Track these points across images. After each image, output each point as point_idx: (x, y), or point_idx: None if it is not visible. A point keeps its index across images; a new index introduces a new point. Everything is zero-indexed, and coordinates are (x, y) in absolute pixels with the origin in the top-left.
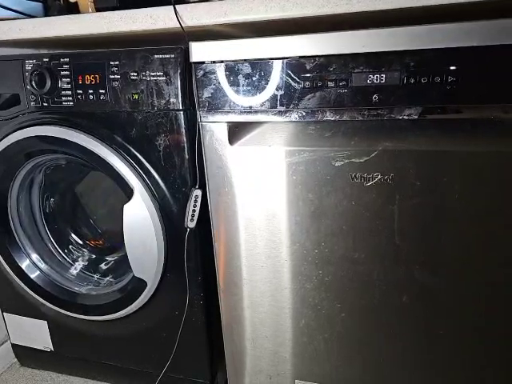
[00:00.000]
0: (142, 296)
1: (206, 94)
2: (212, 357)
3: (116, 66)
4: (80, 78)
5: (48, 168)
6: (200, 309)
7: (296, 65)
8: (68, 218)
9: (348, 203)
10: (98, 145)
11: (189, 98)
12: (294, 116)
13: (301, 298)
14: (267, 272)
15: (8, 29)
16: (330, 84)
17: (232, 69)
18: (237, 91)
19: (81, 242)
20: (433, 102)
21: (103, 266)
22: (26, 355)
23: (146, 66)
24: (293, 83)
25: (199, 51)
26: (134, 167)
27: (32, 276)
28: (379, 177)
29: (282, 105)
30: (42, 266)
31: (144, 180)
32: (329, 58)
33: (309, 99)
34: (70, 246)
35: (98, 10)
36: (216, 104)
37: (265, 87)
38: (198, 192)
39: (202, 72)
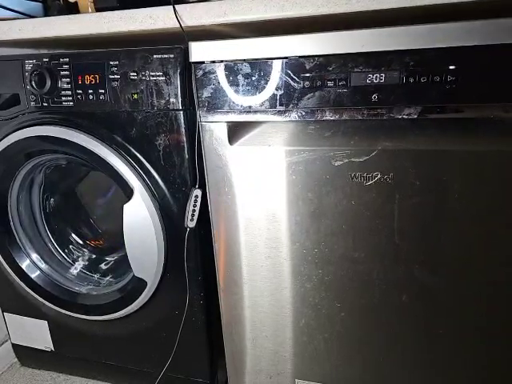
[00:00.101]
0: (142, 296)
1: (206, 93)
2: (212, 356)
3: (116, 65)
4: (80, 77)
5: (48, 168)
6: (200, 308)
7: (295, 64)
8: (68, 218)
9: (348, 203)
10: (98, 145)
11: (188, 98)
12: (294, 116)
13: (301, 297)
14: (267, 271)
15: (8, 29)
16: (330, 84)
17: (231, 69)
18: (236, 91)
19: (81, 242)
20: (432, 102)
21: (103, 266)
22: (26, 355)
23: (145, 65)
24: (292, 83)
25: (199, 51)
26: (133, 167)
27: (32, 276)
28: (379, 176)
29: (281, 104)
30: (43, 265)
31: (144, 180)
32: (328, 57)
33: (308, 99)
34: (71, 246)
35: (97, 10)
36: (216, 104)
37: (264, 87)
38: (197, 192)
39: (201, 72)
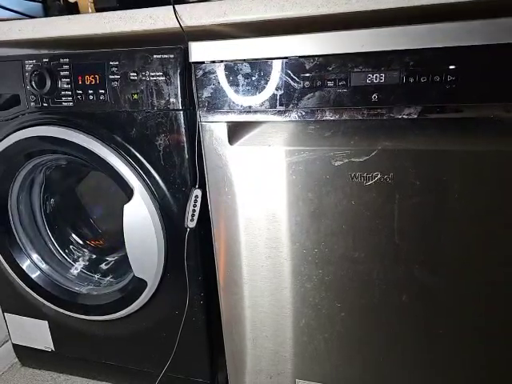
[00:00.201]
0: (143, 296)
1: (206, 93)
2: (212, 356)
3: (116, 66)
4: (80, 78)
5: (48, 168)
6: (200, 308)
7: (295, 64)
8: (68, 218)
9: (348, 203)
10: (98, 145)
11: (188, 98)
12: (294, 116)
13: (301, 297)
14: (267, 271)
15: (8, 29)
16: (330, 83)
17: (231, 69)
18: (236, 91)
19: (81, 242)
20: (432, 102)
21: (104, 266)
22: (26, 355)
23: (145, 66)
24: (292, 83)
25: (199, 51)
26: (133, 167)
27: (33, 276)
28: (379, 176)
29: (281, 104)
30: (43, 266)
31: (144, 180)
32: (328, 57)
33: (308, 99)
34: (71, 246)
35: (97, 10)
36: (216, 104)
37: (264, 87)
38: (197, 192)
39: (201, 72)
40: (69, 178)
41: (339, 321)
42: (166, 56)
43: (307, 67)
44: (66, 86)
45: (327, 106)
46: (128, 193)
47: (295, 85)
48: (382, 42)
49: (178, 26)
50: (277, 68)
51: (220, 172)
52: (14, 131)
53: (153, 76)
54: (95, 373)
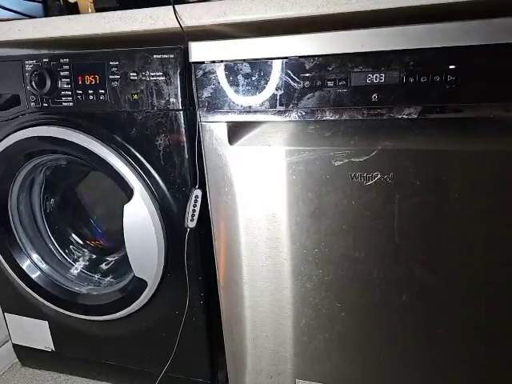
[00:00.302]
0: (143, 296)
1: (206, 93)
2: (212, 356)
3: (116, 66)
4: (80, 78)
5: (48, 168)
6: (200, 308)
7: (295, 64)
8: (68, 219)
9: (348, 202)
10: (98, 145)
11: (188, 98)
12: (294, 116)
13: (301, 297)
14: (267, 271)
15: (8, 29)
16: (330, 83)
17: (231, 69)
18: (236, 91)
19: (81, 242)
20: (432, 101)
21: (104, 266)
22: (27, 355)
23: (145, 66)
24: (292, 83)
25: (199, 51)
26: (133, 167)
27: (33, 276)
28: (379, 176)
29: (281, 104)
30: (43, 266)
31: (144, 180)
32: (328, 57)
33: (308, 99)
34: (71, 246)
35: (97, 10)
36: (216, 104)
37: (264, 87)
38: (198, 192)
39: (201, 72)
40: (69, 178)
41: (339, 321)
42: (166, 56)
43: (307, 67)
44: (65, 86)
45: (327, 106)
46: (128, 193)
47: (295, 85)
48: (382, 41)
49: (177, 25)
50: (277, 68)
51: (220, 172)
52: (14, 131)
53: (153, 76)
54: (95, 373)
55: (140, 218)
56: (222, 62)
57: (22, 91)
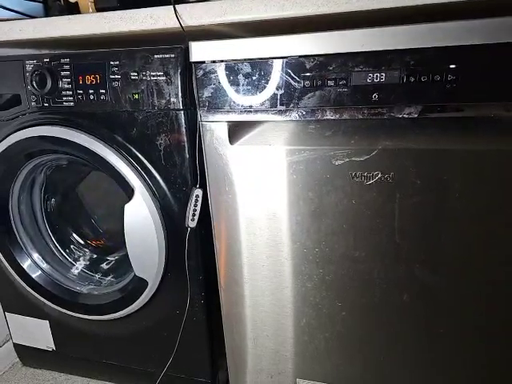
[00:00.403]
0: (143, 295)
1: (206, 93)
2: (213, 356)
3: (116, 66)
4: (80, 78)
5: (49, 168)
6: (201, 308)
7: (296, 64)
8: (69, 218)
9: (348, 202)
10: (99, 145)
11: (189, 98)
12: (294, 115)
13: (302, 296)
14: (268, 271)
15: (9, 29)
16: (330, 83)
17: (232, 68)
18: (237, 90)
19: (82, 242)
20: (433, 101)
21: (104, 266)
22: (28, 355)
23: (146, 65)
24: (293, 82)
25: (199, 51)
26: (134, 167)
27: (33, 276)
28: (379, 175)
29: (282, 104)
30: (44, 265)
31: (145, 180)
32: (328, 57)
33: (309, 98)
34: (72, 246)
35: (98, 10)
36: (216, 103)
37: (265, 86)
38: (198, 191)
39: (202, 72)
40: (69, 178)
41: (340, 320)
42: (166, 56)
43: (307, 67)
44: (66, 85)
45: (328, 106)
46: (129, 192)
47: (296, 84)
48: (383, 41)
49: (178, 25)
50: (277, 68)
51: (221, 171)
52: (15, 131)
53: (153, 76)
54: (96, 372)
55: (141, 217)
56: (222, 61)
57: (23, 91)
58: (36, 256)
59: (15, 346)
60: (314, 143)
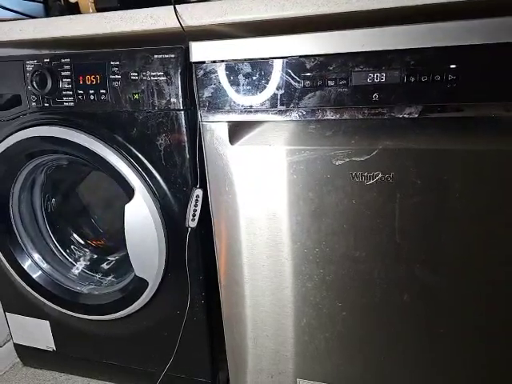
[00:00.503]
0: (144, 295)
1: (207, 93)
2: (213, 356)
3: (116, 66)
4: (81, 78)
5: (49, 168)
6: (201, 308)
7: (296, 64)
8: (69, 218)
9: (349, 202)
10: (99, 145)
11: (189, 98)
12: (295, 115)
13: (302, 296)
14: (268, 271)
15: (9, 29)
16: (330, 83)
17: (232, 68)
18: (237, 91)
19: (82, 242)
20: (433, 101)
21: (105, 266)
22: (28, 355)
23: (146, 65)
24: (293, 82)
25: (199, 51)
26: (134, 167)
27: (34, 276)
28: (380, 175)
29: (282, 104)
30: (44, 265)
31: (145, 180)
32: (329, 57)
33: (309, 98)
34: (72, 246)
35: (98, 10)
36: (216, 103)
37: (265, 86)
38: (198, 191)
39: (202, 72)
40: (70, 178)
41: (340, 320)
42: (166, 56)
43: (308, 67)
44: (67, 86)
45: (328, 106)
46: (129, 193)
47: (296, 84)
48: (383, 41)
49: (178, 25)
50: (277, 68)
51: (221, 171)
52: (16, 131)
53: (154, 76)
54: (97, 372)
55: (141, 217)
56: (222, 61)
57: (23, 91)
58: (36, 256)
59: (16, 346)
60: (315, 143)
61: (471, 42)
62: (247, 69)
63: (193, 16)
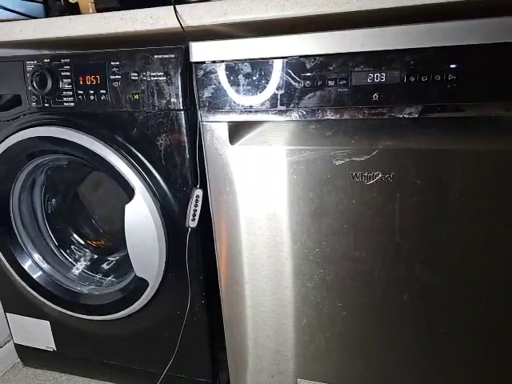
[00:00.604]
0: (144, 296)
1: (207, 93)
2: (214, 356)
3: (117, 66)
4: (81, 78)
5: (49, 168)
6: (201, 308)
7: (296, 64)
8: (70, 219)
9: (349, 202)
10: (100, 145)
11: (189, 98)
12: (295, 115)
13: (302, 296)
14: (268, 271)
15: (9, 30)
16: (331, 83)
17: (232, 68)
18: (237, 91)
19: (82, 242)
20: (433, 101)
21: (105, 266)
22: (28, 355)
23: (146, 66)
24: (293, 82)
25: (199, 51)
26: (135, 167)
27: (34, 276)
28: (380, 175)
29: (282, 104)
30: (44, 266)
31: (145, 180)
32: (329, 57)
33: (309, 98)
34: (72, 246)
35: (98, 10)
36: (216, 104)
37: (265, 86)
38: (199, 191)
39: (202, 72)
40: (70, 178)
41: (340, 320)
42: (166, 56)
43: (308, 67)
44: (67, 86)
45: (328, 106)
46: (129, 193)
47: (296, 84)
48: (383, 41)
49: (178, 25)
50: (277, 68)
51: (221, 171)
52: (16, 132)
53: (154, 76)
54: (97, 373)
55: (141, 217)
56: (222, 61)
57: (23, 91)
58: (37, 256)
59: (16, 346)
60: (315, 143)
61: (471, 42)
62: (247, 69)
63: (193, 16)
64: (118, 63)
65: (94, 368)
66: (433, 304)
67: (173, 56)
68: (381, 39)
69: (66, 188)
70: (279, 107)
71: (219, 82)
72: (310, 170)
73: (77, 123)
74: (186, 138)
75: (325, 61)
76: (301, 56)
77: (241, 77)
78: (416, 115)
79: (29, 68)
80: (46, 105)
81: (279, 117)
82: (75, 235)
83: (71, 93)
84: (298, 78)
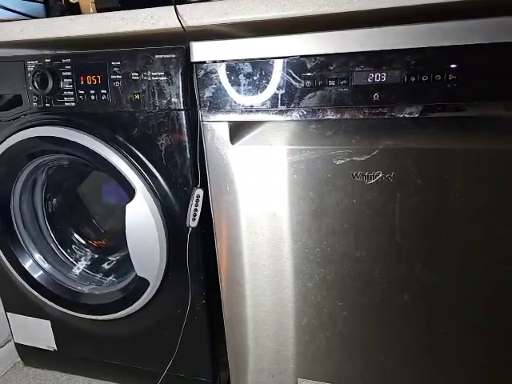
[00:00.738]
0: (145, 295)
1: (208, 93)
2: (214, 355)
3: (117, 66)
4: (82, 78)
5: (50, 168)
6: (202, 308)
7: (297, 64)
8: (70, 218)
9: (349, 202)
10: (100, 145)
11: (190, 98)
12: (295, 115)
13: (303, 296)
14: (269, 270)
15: (10, 30)
16: (331, 83)
17: (233, 68)
18: (238, 91)
19: (83, 242)
20: (434, 100)
21: (106, 266)
22: (29, 355)
23: (147, 66)
24: (294, 82)
25: (200, 51)
26: (135, 167)
27: (35, 276)
28: (380, 175)
29: (282, 104)
30: (45, 265)
31: (146, 180)
32: (329, 56)
33: (310, 98)
34: (73, 246)
35: (99, 10)
36: (217, 103)
37: (266, 86)
38: (199, 191)
39: (203, 72)
40: (71, 178)
41: (341, 320)
42: (167, 56)
43: (308, 66)
44: (68, 86)
45: (328, 106)
46: (130, 192)
47: (296, 84)
48: (383, 41)
49: (179, 25)
50: (278, 67)
51: (222, 171)
52: (17, 131)
53: (154, 76)
54: (98, 372)
55: (142, 217)
56: (223, 61)
57: (24, 91)
58: (37, 256)
59: (17, 345)
60: (315, 143)
61: (471, 42)
62: (248, 69)
63: (193, 16)
64: (118, 63)
65: (95, 367)
66: (433, 304)
67: (173, 56)
68: (381, 39)
69: (67, 188)
70: (280, 107)
71: (220, 82)
72: (310, 170)
73: (78, 123)
74: (186, 138)
75: (325, 61)
76: (301, 56)
77: (241, 77)
78: (416, 115)
79: (30, 68)
80: (47, 105)
81: (280, 117)
82: (76, 235)
83: (72, 93)
84: (298, 78)
